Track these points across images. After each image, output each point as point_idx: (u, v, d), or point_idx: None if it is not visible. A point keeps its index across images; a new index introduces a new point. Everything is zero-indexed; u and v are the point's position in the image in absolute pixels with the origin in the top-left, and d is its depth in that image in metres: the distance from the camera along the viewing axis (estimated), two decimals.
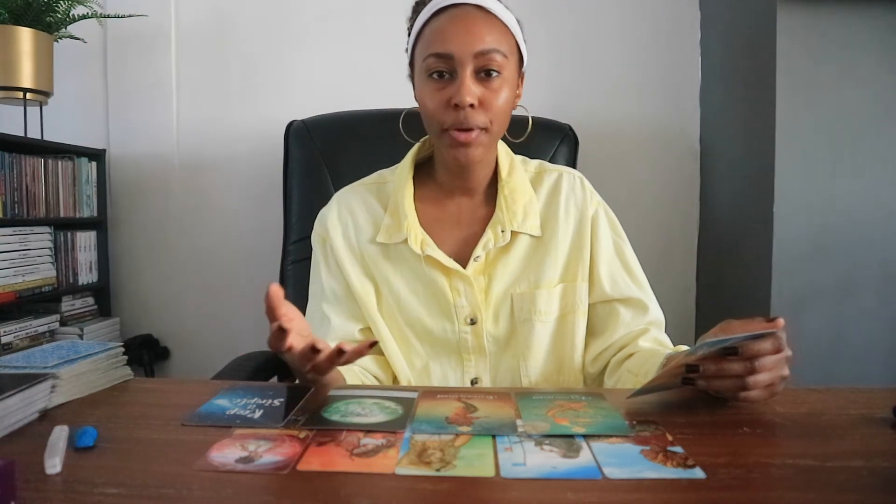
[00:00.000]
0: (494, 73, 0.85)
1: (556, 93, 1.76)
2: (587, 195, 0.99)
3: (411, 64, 0.93)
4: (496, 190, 0.96)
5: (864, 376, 1.34)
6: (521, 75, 0.94)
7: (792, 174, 1.34)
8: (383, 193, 0.99)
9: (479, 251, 0.93)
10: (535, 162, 1.03)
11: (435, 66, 0.85)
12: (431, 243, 0.93)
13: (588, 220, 0.97)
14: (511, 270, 0.94)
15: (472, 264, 0.93)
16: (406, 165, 0.98)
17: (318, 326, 0.95)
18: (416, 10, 0.91)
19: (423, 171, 1.00)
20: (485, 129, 0.86)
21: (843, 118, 1.33)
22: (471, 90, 0.83)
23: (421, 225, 0.94)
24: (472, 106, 0.84)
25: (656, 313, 0.96)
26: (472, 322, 0.93)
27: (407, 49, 0.94)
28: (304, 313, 0.83)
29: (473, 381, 0.95)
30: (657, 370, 0.80)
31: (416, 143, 1.01)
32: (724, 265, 1.65)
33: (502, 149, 0.99)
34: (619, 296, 0.95)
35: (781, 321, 0.65)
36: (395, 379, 0.96)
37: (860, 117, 1.33)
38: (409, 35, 0.93)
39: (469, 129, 0.85)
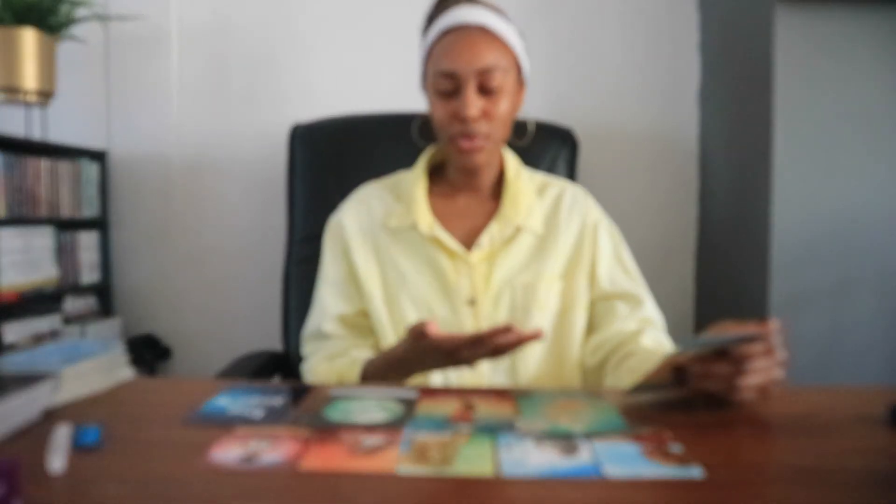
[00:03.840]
0: (495, 89, 0.92)
1: (556, 95, 1.76)
2: (589, 206, 1.05)
3: (424, 76, 1.00)
4: (502, 190, 1.02)
5: (861, 376, 1.33)
6: (521, 83, 1.00)
7: (790, 175, 1.34)
8: (397, 189, 1.06)
9: (483, 240, 0.98)
10: (541, 175, 1.10)
11: (443, 84, 0.93)
12: (439, 227, 0.99)
13: (590, 228, 1.02)
14: (513, 262, 0.99)
15: (475, 251, 0.98)
16: (420, 164, 1.06)
17: (315, 304, 1.04)
18: (427, 26, 0.99)
19: (437, 173, 1.07)
20: (487, 136, 0.94)
21: (841, 119, 1.33)
22: (474, 104, 0.91)
23: (431, 214, 1.01)
24: (474, 118, 0.92)
25: (652, 310, 1.00)
26: (472, 303, 0.97)
27: (420, 64, 1.01)
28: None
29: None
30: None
31: (425, 145, 1.07)
32: (722, 266, 1.65)
33: (510, 157, 1.05)
34: (618, 291, 1.00)
35: (772, 325, 0.66)
36: None
37: (858, 118, 1.33)
38: (421, 49, 1.00)
39: (473, 137, 0.93)
